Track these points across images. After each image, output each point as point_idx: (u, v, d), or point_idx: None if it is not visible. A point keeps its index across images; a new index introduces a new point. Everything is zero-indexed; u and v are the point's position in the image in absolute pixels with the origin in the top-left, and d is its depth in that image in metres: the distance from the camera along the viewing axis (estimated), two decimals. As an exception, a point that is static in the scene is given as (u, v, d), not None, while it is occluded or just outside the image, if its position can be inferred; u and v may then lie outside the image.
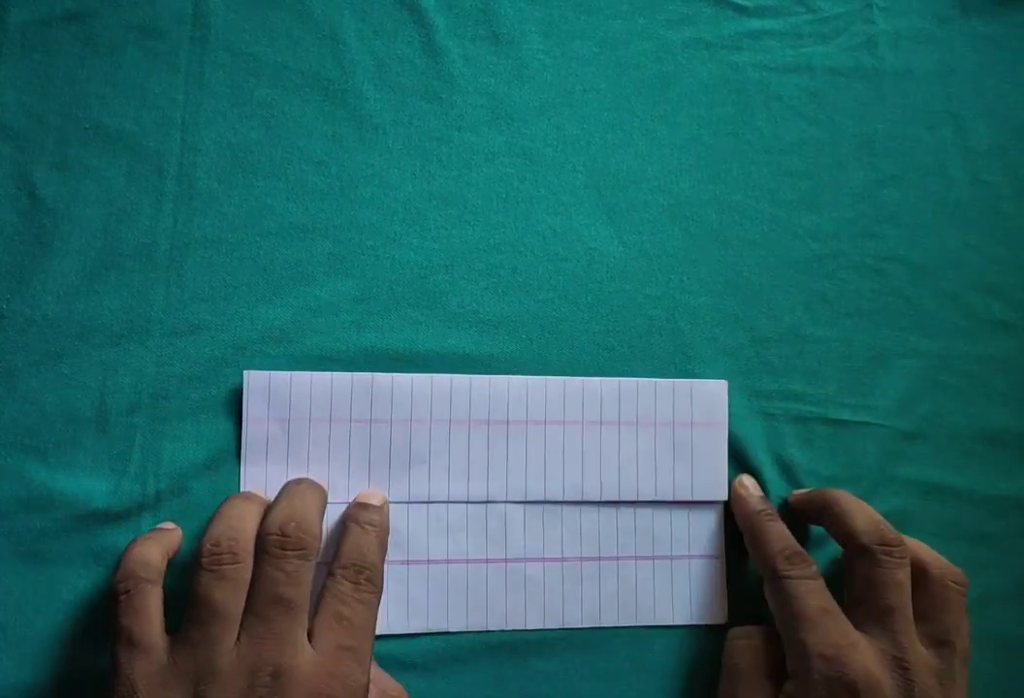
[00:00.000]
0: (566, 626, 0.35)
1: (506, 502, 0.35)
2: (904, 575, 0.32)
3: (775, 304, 0.39)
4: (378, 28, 0.37)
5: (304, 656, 0.27)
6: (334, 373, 0.34)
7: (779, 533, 0.34)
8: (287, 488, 0.32)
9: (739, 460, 0.37)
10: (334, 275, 0.35)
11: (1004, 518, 0.39)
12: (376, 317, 0.35)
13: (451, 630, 0.34)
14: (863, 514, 0.34)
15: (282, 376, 0.34)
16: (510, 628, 0.34)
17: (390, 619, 0.33)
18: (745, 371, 0.38)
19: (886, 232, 0.40)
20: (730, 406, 0.37)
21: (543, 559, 0.35)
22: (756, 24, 0.40)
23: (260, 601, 0.28)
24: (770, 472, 0.37)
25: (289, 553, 0.29)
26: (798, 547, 0.34)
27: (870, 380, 0.39)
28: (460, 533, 0.34)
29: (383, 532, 0.32)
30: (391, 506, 0.34)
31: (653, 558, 0.36)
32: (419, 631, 0.33)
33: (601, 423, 0.35)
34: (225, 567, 0.28)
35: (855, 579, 0.33)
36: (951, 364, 0.40)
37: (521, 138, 0.37)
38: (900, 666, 0.31)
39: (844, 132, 0.41)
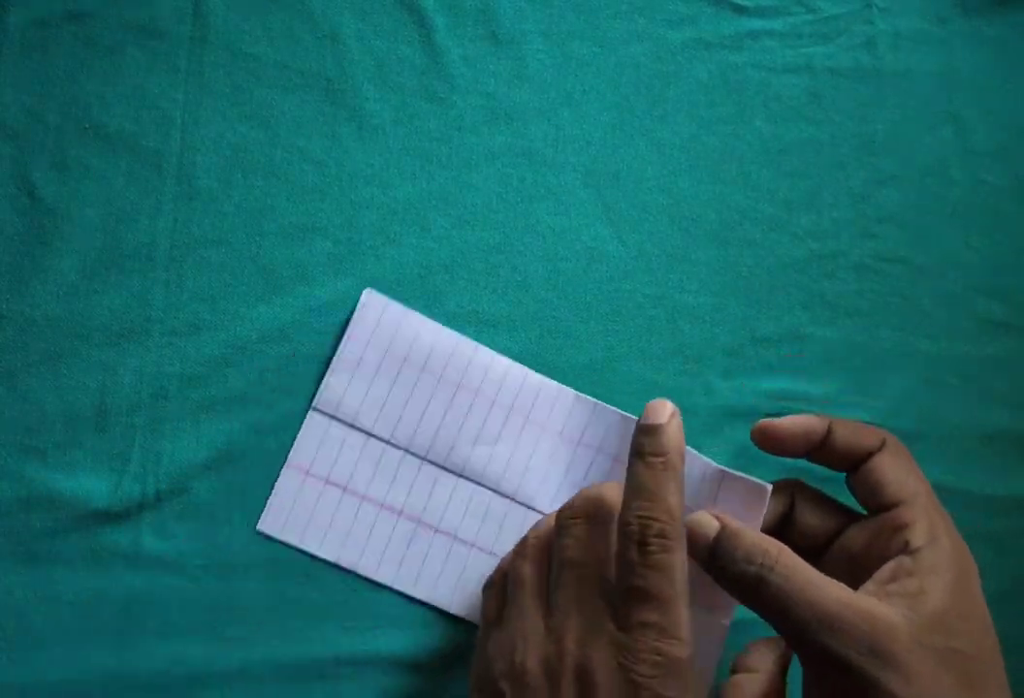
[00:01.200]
0: None
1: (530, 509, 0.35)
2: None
3: (775, 304, 0.39)
4: (378, 28, 0.37)
5: (605, 633, 0.26)
6: (444, 328, 0.35)
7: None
8: (640, 466, 0.28)
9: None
10: (334, 275, 0.35)
11: (1003, 518, 0.39)
12: (376, 317, 0.35)
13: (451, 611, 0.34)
14: (859, 423, 0.31)
15: (396, 308, 0.34)
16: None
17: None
18: (745, 371, 0.38)
19: (886, 232, 0.40)
20: (730, 406, 0.37)
21: None
22: (756, 24, 0.40)
23: (559, 569, 0.28)
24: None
25: (578, 520, 0.29)
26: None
27: (870, 380, 0.39)
28: (495, 523, 0.34)
29: (677, 460, 0.28)
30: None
31: None
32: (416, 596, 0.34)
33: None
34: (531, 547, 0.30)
35: (889, 479, 0.30)
36: (950, 364, 0.40)
37: (521, 138, 0.37)
38: None
39: (844, 132, 0.41)
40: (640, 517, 0.27)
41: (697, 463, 0.32)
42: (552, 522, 0.30)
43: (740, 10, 0.40)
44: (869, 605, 0.26)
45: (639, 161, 0.38)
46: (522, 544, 0.31)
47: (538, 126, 0.38)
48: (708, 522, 0.28)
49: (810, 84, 0.41)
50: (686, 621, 0.26)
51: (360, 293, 0.35)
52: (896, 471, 0.30)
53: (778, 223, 0.39)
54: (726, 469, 0.32)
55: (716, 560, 0.28)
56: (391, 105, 0.36)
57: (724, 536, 0.28)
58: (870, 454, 0.30)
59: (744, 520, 0.30)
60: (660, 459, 0.28)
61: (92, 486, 0.32)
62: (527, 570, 0.29)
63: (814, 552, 0.31)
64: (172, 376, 0.33)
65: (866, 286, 0.40)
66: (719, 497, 0.31)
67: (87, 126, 0.34)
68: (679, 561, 0.26)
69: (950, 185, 0.42)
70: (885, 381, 0.39)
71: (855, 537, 0.30)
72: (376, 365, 0.34)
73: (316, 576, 0.33)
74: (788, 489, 0.32)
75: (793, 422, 0.31)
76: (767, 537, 0.28)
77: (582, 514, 0.29)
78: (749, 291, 0.38)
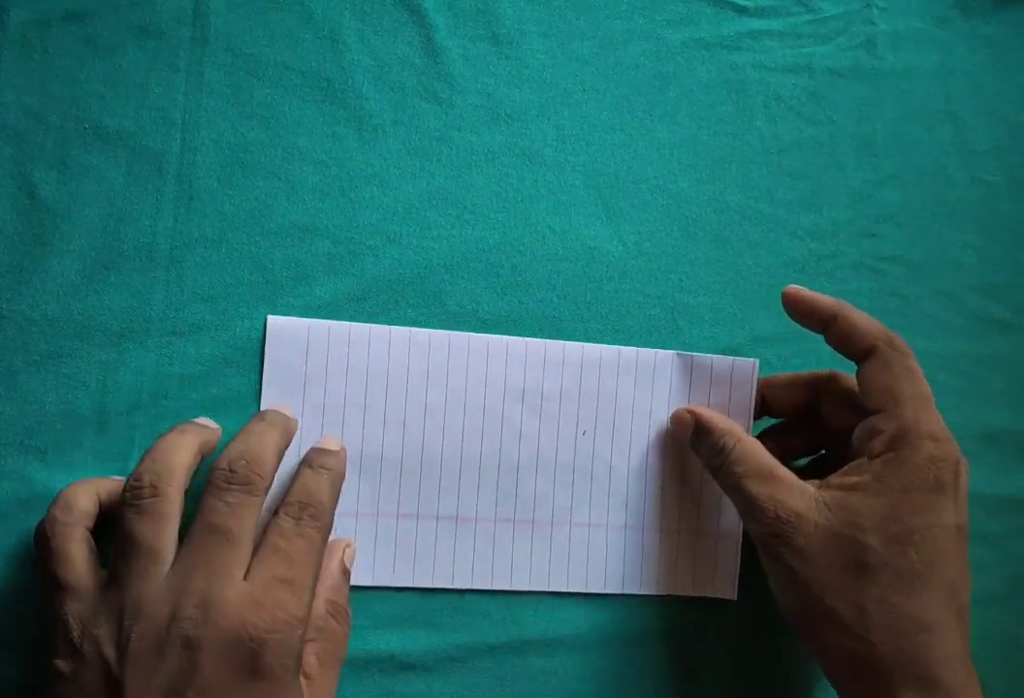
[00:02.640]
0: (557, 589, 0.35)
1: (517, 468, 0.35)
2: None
3: (775, 304, 0.38)
4: (378, 28, 0.37)
5: (235, 587, 0.26)
6: (352, 323, 0.34)
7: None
8: (248, 423, 0.31)
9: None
10: (334, 275, 0.35)
11: (1003, 518, 0.39)
12: (376, 317, 0.35)
13: (421, 585, 0.34)
14: (868, 322, 0.33)
15: (301, 323, 0.34)
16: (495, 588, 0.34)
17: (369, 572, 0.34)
18: (745, 371, 0.38)
19: (885, 232, 0.41)
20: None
21: (532, 520, 0.35)
22: (756, 24, 0.40)
23: (195, 531, 0.27)
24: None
25: (234, 487, 0.28)
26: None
27: (869, 380, 0.39)
28: (461, 491, 0.34)
29: (337, 476, 0.31)
30: (394, 456, 0.34)
31: (661, 530, 0.36)
32: (386, 584, 0.34)
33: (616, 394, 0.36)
34: (145, 501, 0.27)
35: (873, 387, 0.32)
36: (949, 364, 0.40)
37: (521, 138, 0.37)
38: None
39: (843, 132, 0.41)
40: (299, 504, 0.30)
41: (688, 359, 0.36)
42: (187, 469, 0.29)
43: (740, 10, 0.40)
44: (784, 494, 0.31)
45: (639, 161, 0.38)
46: (136, 497, 0.28)
47: (538, 126, 0.38)
48: (685, 417, 0.35)
49: (810, 84, 0.41)
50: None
51: (360, 293, 0.35)
52: (880, 380, 0.32)
53: (778, 223, 0.39)
54: (715, 356, 0.36)
55: (695, 448, 0.35)
56: (391, 105, 0.36)
57: (696, 430, 0.34)
58: (864, 357, 0.32)
59: (738, 395, 0.35)
60: (326, 470, 0.31)
61: (92, 486, 0.32)
62: (147, 531, 0.27)
63: (841, 440, 0.34)
64: (172, 376, 0.33)
65: (866, 286, 0.40)
66: (713, 380, 0.36)
67: (87, 126, 0.34)
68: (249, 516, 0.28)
69: (949, 185, 0.42)
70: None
71: (857, 434, 0.32)
72: (301, 382, 0.34)
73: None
74: (815, 381, 0.35)
75: (815, 298, 0.33)
76: (731, 429, 0.33)
77: (240, 481, 0.28)
78: (749, 291, 0.38)
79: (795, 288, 0.34)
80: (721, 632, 0.36)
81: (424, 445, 0.34)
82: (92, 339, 0.33)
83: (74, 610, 0.27)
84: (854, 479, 0.31)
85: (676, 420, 0.35)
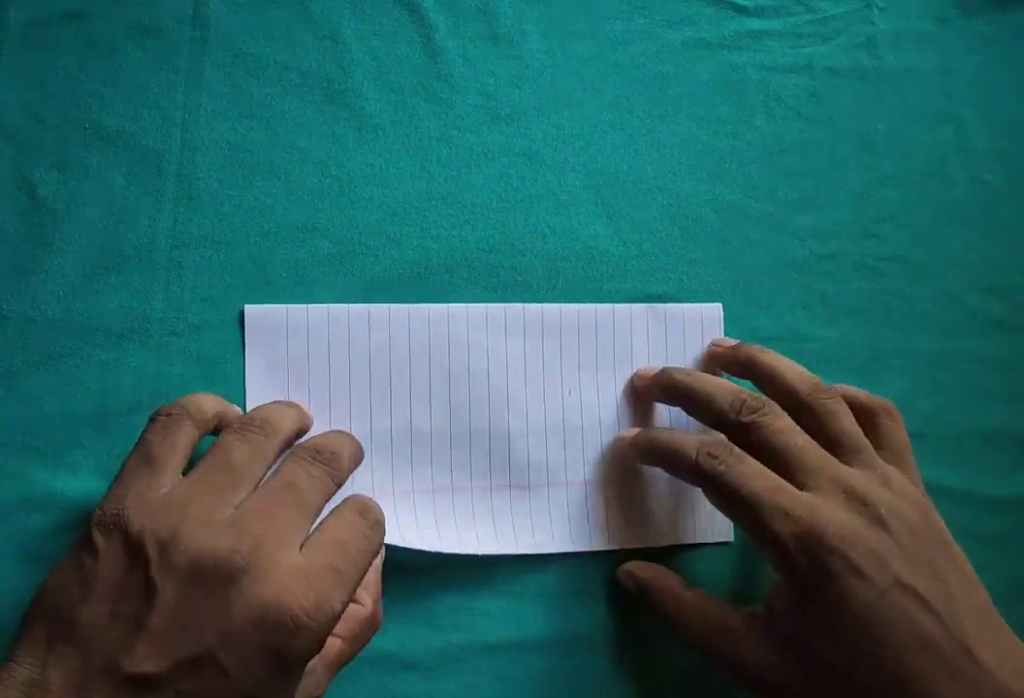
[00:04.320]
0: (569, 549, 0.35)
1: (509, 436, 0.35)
2: (841, 406, 0.32)
3: (775, 304, 0.39)
4: (378, 28, 0.37)
5: (291, 553, 0.25)
6: (331, 305, 0.34)
7: (683, 437, 0.33)
8: (335, 432, 0.32)
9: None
10: (334, 275, 0.35)
11: (1004, 518, 0.39)
12: (376, 317, 0.35)
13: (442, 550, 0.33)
14: (792, 370, 0.33)
15: (279, 309, 0.34)
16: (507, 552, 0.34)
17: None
18: (745, 371, 0.38)
19: (885, 232, 0.41)
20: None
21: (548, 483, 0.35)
22: (756, 24, 0.40)
23: (275, 480, 0.27)
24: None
25: (318, 464, 0.28)
26: (715, 435, 0.32)
27: (869, 380, 0.39)
28: (454, 463, 0.35)
29: (357, 448, 0.31)
30: (383, 434, 0.34)
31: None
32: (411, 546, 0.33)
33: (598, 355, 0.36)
34: (253, 434, 0.28)
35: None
36: (950, 364, 0.40)
37: (521, 138, 0.37)
38: (863, 502, 0.29)
39: (844, 132, 0.41)
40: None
41: (661, 310, 0.37)
42: (294, 430, 0.30)
43: (740, 10, 0.40)
44: (744, 647, 0.31)
45: (639, 161, 0.38)
46: (245, 427, 0.29)
47: (538, 126, 0.38)
48: (624, 578, 0.35)
49: (810, 84, 0.41)
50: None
51: (360, 292, 0.35)
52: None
53: (778, 223, 0.39)
54: (684, 305, 0.37)
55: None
56: (391, 105, 0.36)
57: (639, 590, 0.34)
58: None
59: (707, 340, 0.37)
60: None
61: (92, 486, 0.32)
62: (243, 456, 0.27)
63: None
64: (172, 376, 0.33)
65: (866, 286, 0.40)
66: (685, 327, 0.37)
67: (87, 126, 0.34)
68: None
69: (949, 185, 0.42)
70: (885, 381, 0.39)
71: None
72: (284, 369, 0.34)
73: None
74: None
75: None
76: (666, 587, 0.33)
77: (325, 461, 0.28)
78: (749, 291, 0.38)
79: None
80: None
81: (412, 420, 0.34)
82: (92, 339, 0.33)
83: (139, 489, 0.26)
84: (777, 607, 0.30)
85: (621, 578, 0.35)
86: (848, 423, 0.32)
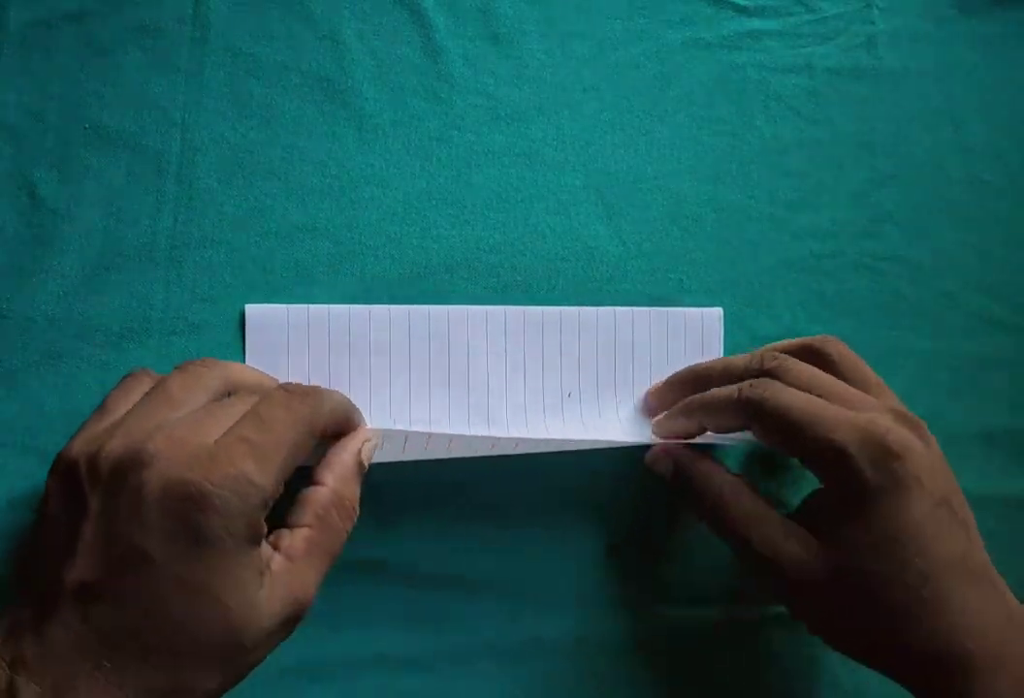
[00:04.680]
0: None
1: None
2: (794, 363, 0.32)
3: (775, 304, 0.39)
4: (378, 28, 0.37)
5: (204, 435, 0.25)
6: (331, 305, 0.34)
7: (721, 388, 0.32)
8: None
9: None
10: (334, 275, 0.35)
11: (1004, 518, 0.39)
12: (376, 317, 0.35)
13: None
14: (733, 361, 0.33)
15: (279, 308, 0.34)
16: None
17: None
18: (745, 371, 0.38)
19: (885, 232, 0.41)
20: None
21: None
22: (756, 24, 0.40)
23: (216, 401, 0.27)
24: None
25: (279, 390, 0.27)
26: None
27: (869, 380, 0.39)
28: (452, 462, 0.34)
29: (346, 402, 0.30)
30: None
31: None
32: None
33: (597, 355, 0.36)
34: (194, 366, 0.28)
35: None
36: (949, 364, 0.40)
37: (521, 138, 0.37)
38: (907, 418, 0.30)
39: (843, 132, 0.41)
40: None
41: (663, 313, 0.37)
42: (243, 383, 0.29)
43: (740, 10, 0.40)
44: (780, 538, 0.30)
45: (639, 161, 0.38)
46: (189, 363, 0.29)
47: (538, 126, 0.38)
48: (660, 459, 0.34)
49: (810, 84, 0.41)
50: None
51: (360, 293, 0.35)
52: (774, 438, 0.31)
53: (777, 223, 0.39)
54: (684, 311, 0.37)
55: (677, 492, 0.34)
56: (391, 105, 0.36)
57: (676, 474, 0.33)
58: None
59: (708, 346, 0.36)
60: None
61: (92, 486, 0.32)
62: (179, 383, 0.27)
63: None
64: (172, 376, 0.33)
65: (866, 286, 0.40)
66: (687, 334, 0.36)
67: (87, 126, 0.34)
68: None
69: (949, 184, 0.42)
70: (884, 380, 0.39)
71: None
72: (285, 368, 0.34)
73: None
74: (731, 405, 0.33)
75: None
76: (711, 472, 0.32)
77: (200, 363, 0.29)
78: (749, 291, 0.38)
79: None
80: (720, 634, 0.36)
81: (411, 421, 0.34)
82: (92, 339, 0.33)
83: (84, 430, 0.27)
84: (828, 517, 0.30)
85: (653, 461, 0.34)
86: (819, 371, 0.32)
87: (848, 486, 0.29)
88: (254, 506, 0.24)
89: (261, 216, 0.35)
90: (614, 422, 0.36)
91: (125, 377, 0.29)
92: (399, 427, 0.33)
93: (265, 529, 0.25)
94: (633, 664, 0.35)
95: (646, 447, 0.36)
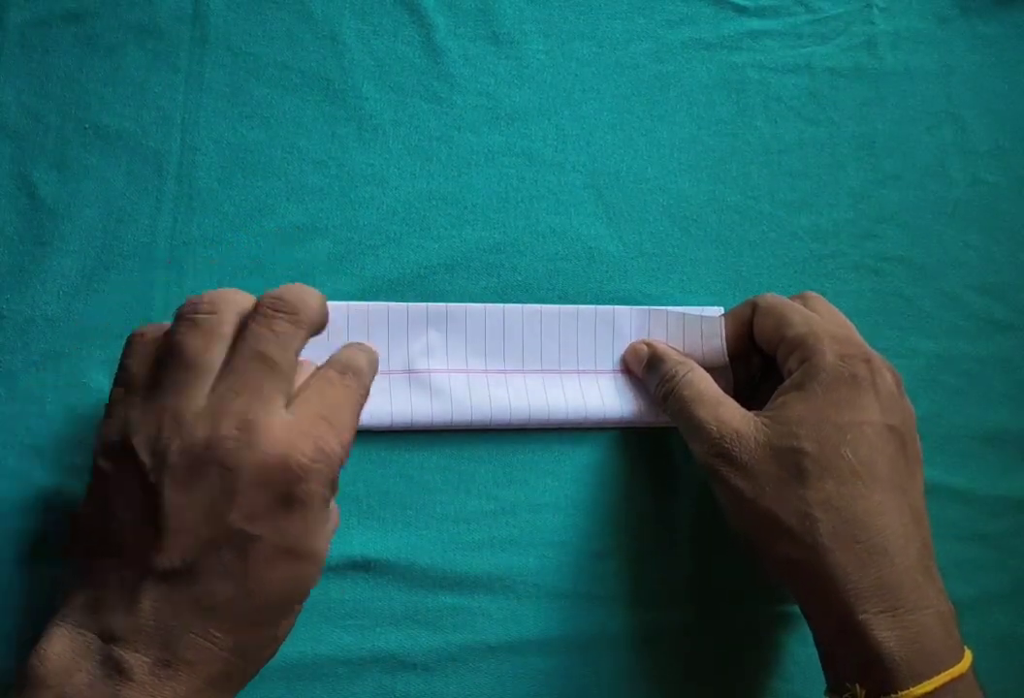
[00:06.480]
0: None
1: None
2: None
3: (775, 304, 0.39)
4: (378, 28, 0.37)
5: (278, 414, 0.26)
6: (331, 303, 0.34)
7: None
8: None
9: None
10: (334, 275, 0.35)
11: (1003, 518, 0.39)
12: (376, 317, 0.35)
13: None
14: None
15: None
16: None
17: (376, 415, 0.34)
18: (745, 371, 0.38)
19: (885, 232, 0.41)
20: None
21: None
22: (756, 24, 0.40)
23: (240, 355, 0.26)
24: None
25: (281, 315, 0.27)
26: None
27: (870, 380, 0.39)
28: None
29: (374, 357, 0.31)
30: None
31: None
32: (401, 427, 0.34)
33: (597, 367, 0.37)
34: (200, 316, 0.27)
35: (766, 329, 0.34)
36: (950, 364, 0.40)
37: (521, 138, 0.37)
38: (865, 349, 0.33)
39: (843, 132, 0.41)
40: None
41: (662, 315, 0.37)
42: (247, 305, 0.28)
43: (740, 10, 0.40)
44: (727, 416, 0.32)
45: (639, 161, 0.38)
46: (192, 311, 0.27)
47: (538, 126, 0.38)
48: (641, 349, 0.36)
49: (810, 84, 0.41)
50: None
51: (360, 293, 0.35)
52: (768, 325, 0.34)
53: (777, 223, 0.39)
54: (683, 312, 0.37)
55: (647, 378, 0.36)
56: (391, 105, 0.36)
57: (651, 359, 0.36)
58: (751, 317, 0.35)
59: (709, 346, 0.36)
60: (364, 351, 0.31)
61: (92, 486, 0.32)
62: (196, 344, 0.27)
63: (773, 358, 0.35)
64: (172, 376, 0.33)
65: (866, 286, 0.40)
66: (686, 334, 0.37)
67: (87, 126, 0.34)
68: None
69: (949, 185, 0.42)
70: (885, 381, 0.39)
71: (779, 361, 0.34)
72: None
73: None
74: (749, 305, 0.36)
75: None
76: (684, 360, 0.35)
77: (288, 310, 0.28)
78: (749, 291, 0.38)
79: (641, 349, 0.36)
80: (717, 632, 0.36)
81: (412, 421, 0.34)
82: (92, 339, 0.33)
83: (120, 412, 0.27)
84: (782, 397, 0.32)
85: (632, 351, 0.36)
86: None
87: (810, 370, 0.32)
88: (337, 472, 0.27)
89: (261, 216, 0.35)
90: (614, 418, 0.36)
91: (132, 342, 0.28)
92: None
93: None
94: (633, 663, 0.35)
95: (645, 445, 0.36)
